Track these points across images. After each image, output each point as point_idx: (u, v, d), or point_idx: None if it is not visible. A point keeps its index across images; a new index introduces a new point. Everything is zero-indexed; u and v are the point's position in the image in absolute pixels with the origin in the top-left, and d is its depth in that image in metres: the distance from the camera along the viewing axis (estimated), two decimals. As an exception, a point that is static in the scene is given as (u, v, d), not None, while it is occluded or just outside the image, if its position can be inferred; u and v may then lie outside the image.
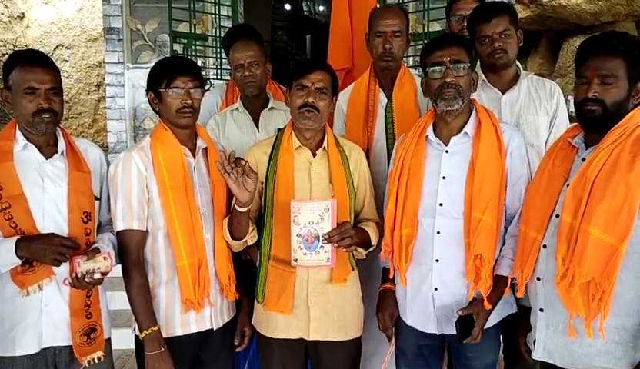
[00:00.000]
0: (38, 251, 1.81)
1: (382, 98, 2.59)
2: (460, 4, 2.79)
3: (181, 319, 2.04)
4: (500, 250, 2.02)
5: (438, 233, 2.00)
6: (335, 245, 1.92)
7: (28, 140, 1.93)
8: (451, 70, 1.96)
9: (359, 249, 2.10)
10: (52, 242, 1.82)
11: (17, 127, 1.94)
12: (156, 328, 1.97)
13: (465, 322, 1.93)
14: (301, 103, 2.02)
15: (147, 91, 2.09)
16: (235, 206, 1.97)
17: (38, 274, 1.86)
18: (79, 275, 1.78)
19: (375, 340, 2.38)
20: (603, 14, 8.00)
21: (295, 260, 1.95)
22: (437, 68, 1.98)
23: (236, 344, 2.22)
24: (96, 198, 2.04)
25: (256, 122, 2.71)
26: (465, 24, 2.62)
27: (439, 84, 1.97)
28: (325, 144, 2.11)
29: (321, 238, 1.91)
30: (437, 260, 2.00)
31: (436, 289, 2.01)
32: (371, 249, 2.14)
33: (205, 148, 2.15)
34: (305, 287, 2.06)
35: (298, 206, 1.93)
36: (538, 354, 1.82)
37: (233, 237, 2.07)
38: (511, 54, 2.39)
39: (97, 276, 1.81)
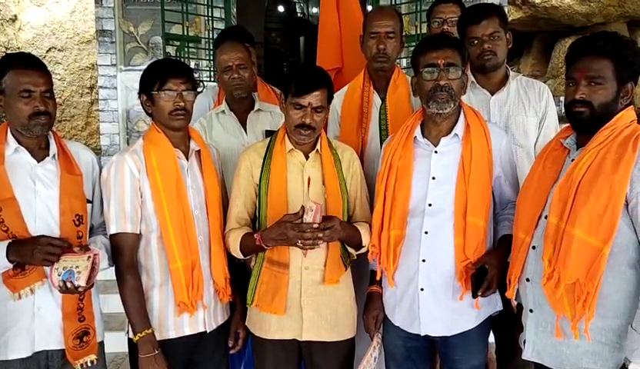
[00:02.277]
0: (27, 253, 1.80)
1: (376, 100, 2.59)
2: (440, 8, 2.82)
3: (174, 321, 2.05)
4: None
5: (426, 233, 2.00)
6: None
7: (19, 143, 1.92)
8: (445, 72, 1.96)
9: (349, 249, 2.11)
10: (40, 242, 1.81)
11: (8, 131, 1.93)
12: (150, 331, 1.97)
13: (479, 277, 1.92)
14: (299, 123, 2.02)
15: (139, 93, 2.09)
16: (263, 245, 2.00)
17: (29, 278, 1.86)
18: (57, 273, 1.77)
19: (368, 340, 2.38)
20: (595, 15, 8.04)
21: None
22: (430, 69, 1.98)
23: (230, 345, 2.22)
24: (88, 201, 2.03)
25: (243, 125, 2.70)
26: (445, 27, 2.69)
27: (432, 86, 1.97)
28: (317, 146, 2.12)
29: None
30: (423, 260, 2.00)
31: (422, 289, 2.02)
32: (362, 250, 2.14)
33: (198, 151, 2.15)
34: (298, 288, 2.07)
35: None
36: (527, 354, 1.83)
37: (244, 255, 2.10)
38: (500, 56, 2.41)
39: (80, 282, 1.79)
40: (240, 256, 2.10)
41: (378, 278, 2.14)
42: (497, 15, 2.40)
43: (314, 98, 2.02)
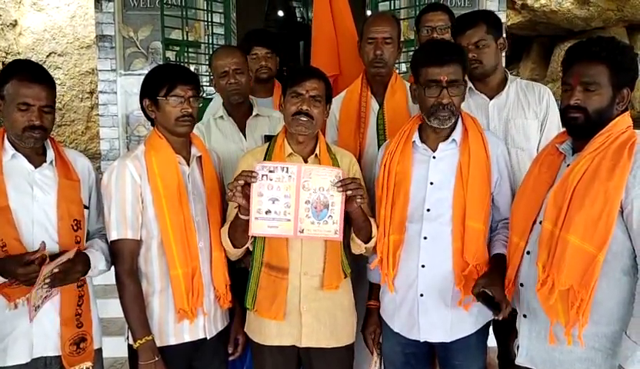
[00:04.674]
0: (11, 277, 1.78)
1: (374, 105, 2.60)
2: (429, 17, 2.84)
3: (174, 328, 2.04)
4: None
5: (425, 238, 2.00)
6: (346, 196, 1.89)
7: (16, 149, 1.92)
8: (448, 90, 1.95)
9: (357, 241, 2.07)
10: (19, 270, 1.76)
11: (5, 137, 1.93)
12: (150, 338, 1.97)
13: (486, 298, 1.88)
14: (296, 110, 2.02)
15: (142, 98, 2.08)
16: (240, 215, 1.95)
17: (24, 287, 1.83)
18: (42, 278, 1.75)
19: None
20: (594, 19, 8.04)
21: (301, 231, 1.89)
22: (433, 87, 1.97)
23: (230, 352, 2.22)
24: (85, 207, 2.03)
25: (242, 130, 2.71)
26: (435, 35, 2.71)
27: (434, 102, 1.97)
28: (316, 151, 2.12)
29: (330, 207, 1.89)
30: (423, 266, 2.01)
31: (422, 295, 2.02)
32: (371, 244, 2.10)
33: (199, 157, 2.15)
34: (297, 293, 2.06)
35: (309, 170, 1.89)
36: (521, 359, 1.83)
37: (234, 246, 2.07)
38: (487, 63, 2.39)
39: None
40: (231, 249, 2.07)
41: (382, 283, 2.13)
42: (484, 22, 2.37)
43: (311, 86, 2.03)
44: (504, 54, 2.54)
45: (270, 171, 1.87)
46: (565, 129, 1.83)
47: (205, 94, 3.05)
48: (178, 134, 2.06)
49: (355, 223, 2.01)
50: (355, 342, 2.20)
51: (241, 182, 1.86)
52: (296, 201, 1.89)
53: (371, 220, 2.09)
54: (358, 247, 2.10)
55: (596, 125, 1.69)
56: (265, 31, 3.26)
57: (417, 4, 4.72)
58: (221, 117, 2.71)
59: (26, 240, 1.87)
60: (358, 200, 1.90)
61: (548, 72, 8.87)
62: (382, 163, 2.12)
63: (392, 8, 4.90)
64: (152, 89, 2.04)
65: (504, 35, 2.51)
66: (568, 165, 1.74)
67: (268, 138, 2.45)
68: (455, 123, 2.06)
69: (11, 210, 1.86)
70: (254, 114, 2.74)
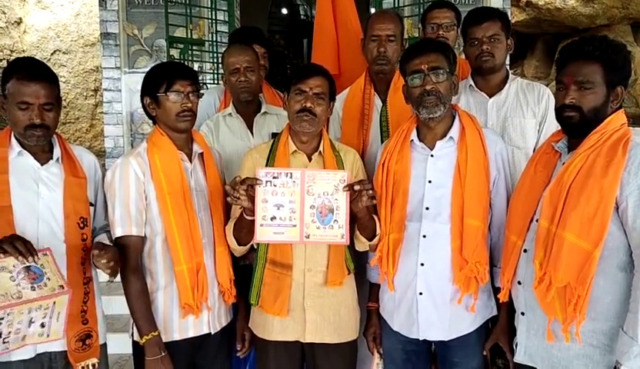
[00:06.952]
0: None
1: (377, 102, 2.60)
2: (434, 14, 2.85)
3: (179, 323, 2.06)
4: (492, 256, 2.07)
5: (424, 237, 2.01)
6: (350, 202, 1.89)
7: (22, 147, 1.93)
8: (431, 77, 1.98)
9: (362, 239, 2.08)
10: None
11: (12, 134, 1.94)
12: (156, 333, 1.98)
13: (497, 353, 1.96)
14: (300, 107, 2.03)
15: (143, 96, 2.10)
16: (245, 216, 1.95)
17: None
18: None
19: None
20: (599, 17, 8.02)
21: (307, 237, 1.89)
22: (416, 75, 2.00)
23: (239, 349, 2.23)
24: (91, 204, 2.04)
25: (250, 127, 2.71)
26: (440, 32, 2.74)
27: (419, 91, 1.99)
28: (320, 148, 2.13)
29: (335, 211, 1.89)
30: (422, 264, 2.01)
31: (421, 293, 2.02)
32: (375, 241, 2.11)
33: (201, 153, 2.16)
34: (301, 290, 2.07)
35: (312, 175, 1.88)
36: (519, 357, 1.85)
37: (239, 244, 2.08)
38: (498, 59, 2.43)
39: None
40: (236, 246, 2.08)
41: (380, 281, 2.14)
42: (499, 19, 2.42)
43: (315, 84, 2.04)
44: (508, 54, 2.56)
45: (274, 177, 1.88)
46: (561, 128, 1.84)
47: (207, 89, 3.03)
48: (179, 129, 2.07)
49: (360, 222, 2.02)
50: (358, 338, 2.21)
51: (244, 187, 1.86)
52: (301, 207, 1.89)
53: (375, 217, 2.10)
54: (363, 244, 2.11)
55: (591, 124, 1.70)
56: (260, 30, 3.26)
57: (421, 1, 4.72)
58: (230, 114, 2.73)
59: (30, 237, 1.86)
60: (364, 199, 1.89)
61: (552, 70, 8.85)
62: (381, 162, 2.13)
63: (396, 5, 4.90)
64: (152, 87, 2.06)
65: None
66: (564, 163, 1.75)
67: (275, 136, 2.45)
68: (452, 121, 2.07)
69: (12, 210, 1.86)
70: (262, 111, 2.74)
